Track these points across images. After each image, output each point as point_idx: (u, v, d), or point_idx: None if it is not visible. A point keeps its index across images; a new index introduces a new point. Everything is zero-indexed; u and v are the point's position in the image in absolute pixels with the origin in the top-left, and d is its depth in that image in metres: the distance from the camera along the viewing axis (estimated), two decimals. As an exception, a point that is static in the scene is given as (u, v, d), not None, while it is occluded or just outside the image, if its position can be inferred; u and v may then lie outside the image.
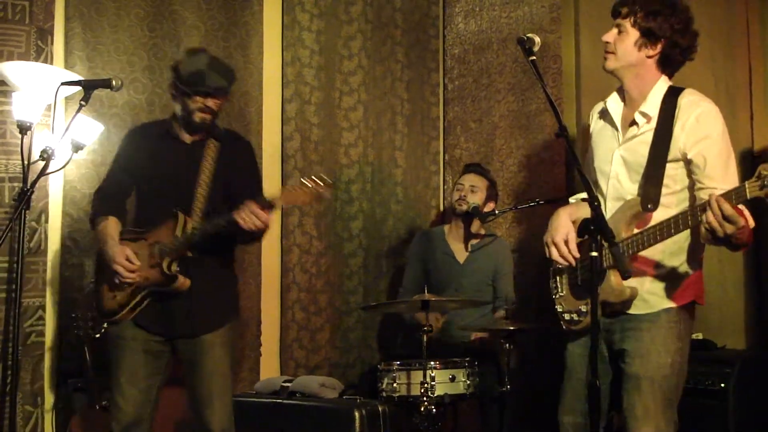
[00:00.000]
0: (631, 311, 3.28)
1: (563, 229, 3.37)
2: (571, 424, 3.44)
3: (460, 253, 5.28)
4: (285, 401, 4.56)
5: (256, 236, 3.78)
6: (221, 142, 3.92)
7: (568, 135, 3.09)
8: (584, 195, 3.45)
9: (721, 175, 3.13)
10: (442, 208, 6.28)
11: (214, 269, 3.88)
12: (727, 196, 2.81)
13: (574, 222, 3.38)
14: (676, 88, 3.32)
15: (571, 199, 3.69)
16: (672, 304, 3.24)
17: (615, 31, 3.34)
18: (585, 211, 3.24)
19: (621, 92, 3.46)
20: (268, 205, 3.60)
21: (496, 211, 5.15)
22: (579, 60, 5.47)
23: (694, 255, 3.27)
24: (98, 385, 4.40)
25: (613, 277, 3.20)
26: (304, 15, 5.72)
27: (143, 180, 3.91)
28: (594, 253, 2.92)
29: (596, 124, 3.57)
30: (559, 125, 3.09)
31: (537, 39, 3.21)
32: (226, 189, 3.88)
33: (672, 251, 3.25)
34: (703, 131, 3.17)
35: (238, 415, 4.42)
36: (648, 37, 3.28)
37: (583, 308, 3.34)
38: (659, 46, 3.30)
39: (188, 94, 3.80)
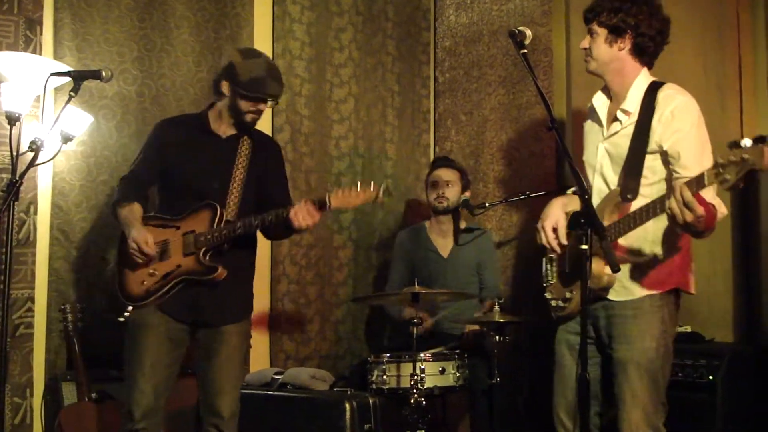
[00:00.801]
0: (614, 298, 3.37)
1: (553, 217, 3.48)
2: (565, 413, 3.49)
3: (444, 248, 5.30)
4: (276, 393, 4.56)
5: (293, 233, 3.91)
6: (255, 141, 4.01)
7: (558, 128, 3.17)
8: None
9: (695, 165, 3.18)
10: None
11: (240, 262, 3.94)
12: (689, 184, 2.90)
13: (567, 213, 3.46)
14: (657, 83, 3.42)
15: (569, 191, 3.77)
16: (654, 291, 3.33)
17: (587, 36, 3.49)
18: (578, 203, 3.34)
19: (606, 89, 3.57)
20: (322, 206, 3.70)
21: (487, 204, 5.17)
22: (569, 53, 5.46)
23: (675, 242, 3.34)
24: (87, 377, 4.39)
25: (594, 264, 3.23)
26: (294, 7, 5.69)
27: (174, 171, 3.93)
28: (584, 246, 2.94)
29: (587, 123, 3.68)
30: (549, 118, 3.17)
31: (528, 32, 3.29)
32: (257, 186, 3.96)
33: (653, 239, 3.33)
34: (678, 124, 3.27)
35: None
36: (615, 32, 3.41)
37: (568, 294, 3.42)
38: (628, 39, 3.42)
39: (247, 97, 3.86)
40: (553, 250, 3.50)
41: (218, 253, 3.80)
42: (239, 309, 3.96)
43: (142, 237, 3.75)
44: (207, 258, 3.77)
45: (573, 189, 3.73)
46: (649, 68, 3.48)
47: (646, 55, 3.45)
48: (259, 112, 3.93)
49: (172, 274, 3.79)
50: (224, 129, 3.97)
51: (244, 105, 3.87)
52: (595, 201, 3.40)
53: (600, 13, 3.42)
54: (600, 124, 3.53)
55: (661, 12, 3.43)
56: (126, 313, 3.79)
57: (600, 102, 3.56)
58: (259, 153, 4.00)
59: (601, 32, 3.42)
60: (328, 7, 5.88)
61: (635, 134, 3.35)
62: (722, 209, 3.14)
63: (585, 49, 3.50)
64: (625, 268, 3.30)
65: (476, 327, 4.95)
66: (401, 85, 6.24)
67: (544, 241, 3.49)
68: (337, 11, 5.92)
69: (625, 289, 3.34)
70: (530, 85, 5.48)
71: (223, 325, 3.85)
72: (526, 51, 3.25)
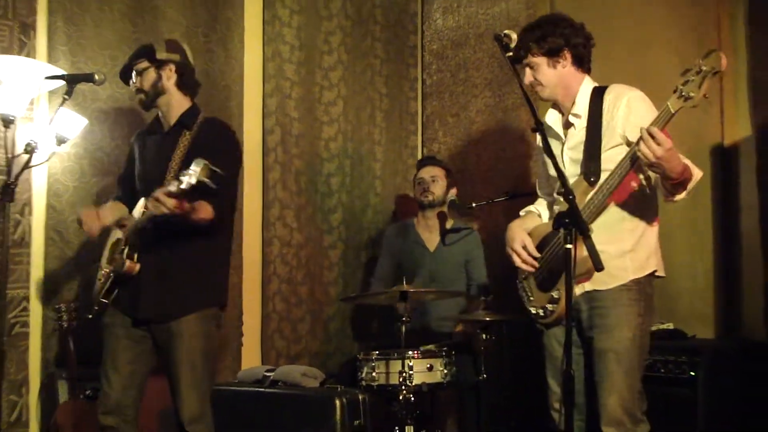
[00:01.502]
0: (597, 287, 3.44)
1: (518, 237, 3.62)
2: (559, 403, 3.52)
3: (430, 242, 5.36)
4: (268, 390, 4.58)
5: (191, 222, 3.62)
6: (194, 131, 3.85)
7: (543, 130, 3.25)
8: (531, 208, 3.83)
9: None
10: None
11: (181, 256, 3.79)
12: (654, 121, 3.05)
13: (528, 230, 3.64)
14: (601, 87, 3.55)
15: (521, 212, 3.89)
16: (634, 276, 3.41)
17: (528, 71, 3.58)
18: (532, 222, 3.69)
19: (556, 105, 3.68)
20: (175, 193, 3.44)
21: (473, 204, 5.21)
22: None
23: (650, 224, 3.47)
24: (81, 375, 4.41)
25: (576, 251, 3.29)
26: (284, 11, 5.72)
27: (135, 173, 3.94)
28: (569, 246, 2.98)
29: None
30: (534, 120, 3.22)
31: (513, 35, 3.34)
32: None
33: (630, 228, 3.43)
34: (637, 114, 3.36)
35: (221, 404, 4.43)
36: (553, 55, 3.53)
37: (555, 295, 3.46)
38: (567, 54, 3.54)
39: None
40: (530, 267, 3.60)
41: (145, 247, 3.72)
42: (182, 304, 3.75)
43: (85, 211, 3.83)
44: (135, 254, 3.70)
45: (525, 209, 3.87)
46: (589, 74, 3.60)
47: (584, 63, 3.58)
48: (137, 89, 3.91)
49: (110, 273, 3.76)
50: (166, 123, 3.95)
51: None
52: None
53: (529, 48, 3.52)
54: (557, 137, 3.62)
55: (576, 23, 3.58)
56: (95, 308, 3.79)
57: (553, 118, 3.66)
58: (200, 141, 3.82)
59: (540, 60, 3.53)
60: (318, 11, 5.91)
61: (588, 127, 3.47)
62: (697, 170, 3.26)
63: (532, 82, 3.58)
64: (605, 257, 3.27)
65: (463, 327, 4.99)
66: (389, 87, 6.27)
67: (519, 262, 3.61)
68: (326, 15, 5.95)
69: (609, 276, 3.37)
70: (516, 88, 5.49)
71: (166, 321, 3.73)
72: (511, 54, 3.31)
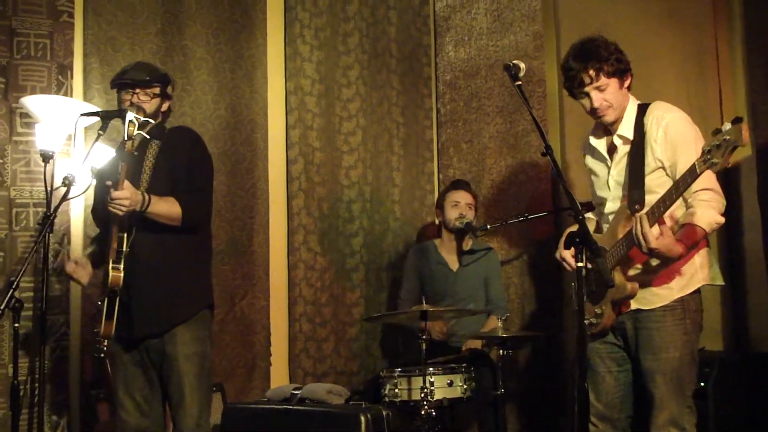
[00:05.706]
0: (642, 306, 3.38)
1: (559, 251, 3.52)
2: (597, 418, 3.51)
3: (453, 263, 5.33)
4: (295, 407, 4.56)
5: (160, 220, 3.58)
6: (162, 139, 3.76)
7: (552, 153, 3.19)
8: (590, 215, 3.73)
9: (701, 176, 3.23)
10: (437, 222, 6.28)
11: (164, 269, 3.69)
12: (681, 181, 3.07)
13: None
14: (644, 105, 3.48)
15: (587, 215, 3.80)
16: (679, 295, 3.35)
17: (596, 95, 3.44)
18: (590, 226, 3.48)
19: (599, 126, 3.59)
20: (115, 186, 3.43)
21: (488, 226, 5.19)
22: (561, 84, 5.49)
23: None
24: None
25: (617, 275, 3.30)
26: (305, 47, 5.75)
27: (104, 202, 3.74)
28: (580, 264, 2.95)
29: (588, 161, 3.72)
30: (544, 144, 3.20)
31: (522, 65, 3.32)
32: (172, 180, 3.71)
33: None
34: (675, 140, 3.32)
35: (250, 422, 4.44)
36: (622, 75, 3.44)
37: (598, 311, 3.42)
38: (628, 75, 3.47)
39: (118, 94, 3.79)
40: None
41: (128, 268, 3.54)
42: (173, 315, 3.68)
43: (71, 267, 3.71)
44: (119, 264, 3.52)
45: (588, 215, 3.77)
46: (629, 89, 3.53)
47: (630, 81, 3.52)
48: (137, 106, 3.67)
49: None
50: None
51: (121, 104, 3.75)
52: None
53: (601, 67, 3.39)
54: (602, 159, 3.58)
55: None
56: (104, 348, 3.61)
57: (596, 139, 3.60)
58: (169, 148, 3.74)
59: (611, 81, 3.42)
60: (336, 47, 5.93)
61: (631, 152, 3.41)
62: (709, 220, 3.28)
63: (601, 105, 3.44)
64: (649, 278, 3.36)
65: (477, 344, 4.96)
66: (405, 116, 6.27)
67: (569, 269, 3.50)
68: (344, 50, 5.97)
69: (654, 296, 3.36)
70: (526, 114, 5.50)
71: (161, 335, 3.66)
72: (520, 82, 3.29)
